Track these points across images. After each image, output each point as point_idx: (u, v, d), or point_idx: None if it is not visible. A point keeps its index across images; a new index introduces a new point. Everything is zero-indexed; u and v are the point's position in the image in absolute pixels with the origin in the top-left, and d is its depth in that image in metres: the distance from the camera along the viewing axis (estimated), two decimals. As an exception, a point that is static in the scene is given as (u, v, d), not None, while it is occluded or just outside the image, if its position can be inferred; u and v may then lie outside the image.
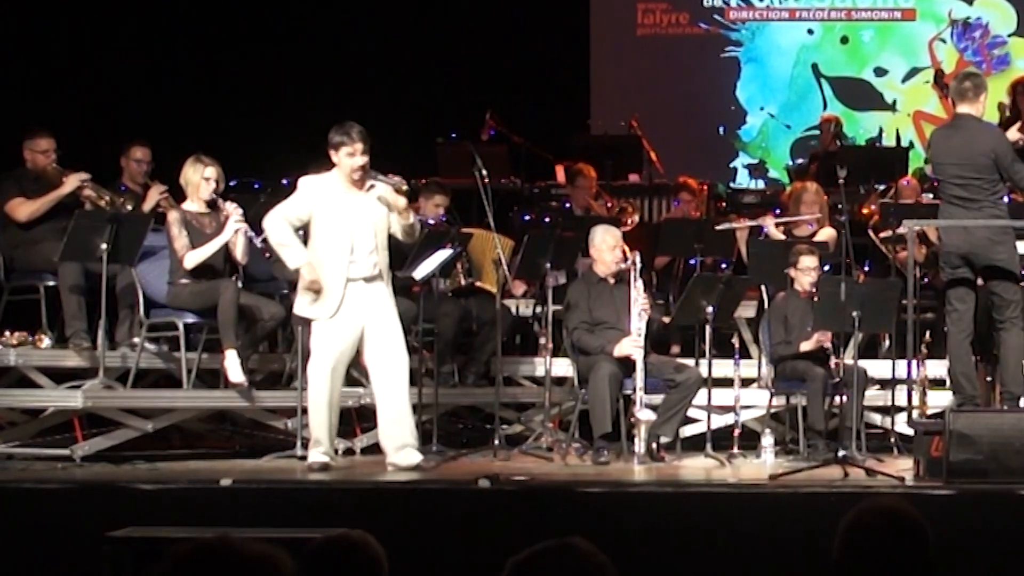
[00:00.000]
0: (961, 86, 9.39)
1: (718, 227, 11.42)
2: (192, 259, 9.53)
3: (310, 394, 8.88)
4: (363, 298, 8.84)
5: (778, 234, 11.31)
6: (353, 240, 8.82)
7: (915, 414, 9.64)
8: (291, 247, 8.87)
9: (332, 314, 8.78)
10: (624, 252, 9.94)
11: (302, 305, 8.91)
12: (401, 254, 10.56)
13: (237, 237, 9.58)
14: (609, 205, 12.49)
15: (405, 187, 8.98)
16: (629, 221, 12.36)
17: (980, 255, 9.20)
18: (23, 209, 10.02)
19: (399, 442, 8.90)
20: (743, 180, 15.75)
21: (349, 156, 8.82)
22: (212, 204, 9.70)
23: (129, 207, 10.20)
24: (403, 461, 8.85)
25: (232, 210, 9.58)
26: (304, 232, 9.00)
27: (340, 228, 8.82)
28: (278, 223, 8.87)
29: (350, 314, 8.80)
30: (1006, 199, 9.69)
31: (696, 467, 9.55)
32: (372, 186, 8.92)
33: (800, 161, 14.69)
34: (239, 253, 9.66)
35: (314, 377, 8.83)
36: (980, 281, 9.41)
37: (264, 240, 9.54)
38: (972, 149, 9.17)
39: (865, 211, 12.28)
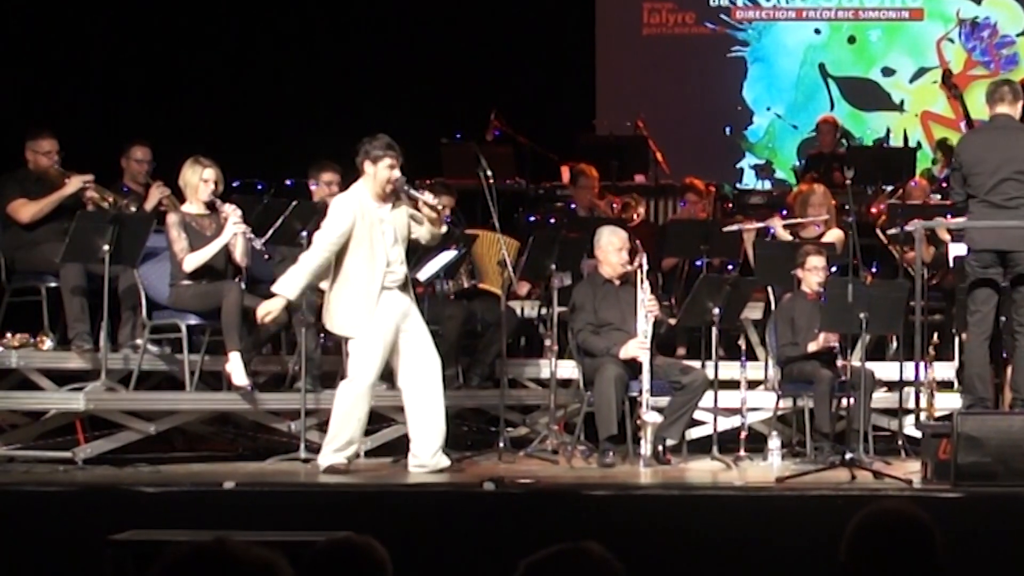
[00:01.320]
0: (1000, 90, 9.36)
1: (725, 229, 11.39)
2: (191, 262, 9.50)
3: (349, 402, 8.80)
4: (397, 305, 8.84)
5: (786, 235, 11.27)
6: (388, 252, 8.81)
7: (923, 416, 9.62)
8: (296, 274, 8.80)
9: (369, 327, 8.76)
10: (632, 252, 9.89)
11: (340, 323, 8.85)
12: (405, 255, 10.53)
13: (236, 239, 9.55)
14: (614, 204, 12.45)
15: (435, 200, 8.96)
16: (635, 216, 12.35)
17: (1018, 254, 9.14)
18: (25, 210, 10.00)
19: (434, 446, 8.94)
20: (749, 181, 15.75)
21: (390, 168, 8.81)
22: (211, 206, 9.67)
23: (132, 208, 10.16)
24: (437, 464, 8.90)
25: (231, 212, 9.54)
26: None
27: (376, 241, 8.79)
28: (318, 252, 8.77)
29: (388, 323, 8.79)
30: None
31: (702, 470, 9.51)
32: (399, 196, 8.91)
33: (796, 164, 14.65)
34: (239, 255, 9.64)
35: (358, 388, 8.79)
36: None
37: (264, 242, 9.52)
38: (1018, 148, 9.13)
39: (873, 211, 12.24)
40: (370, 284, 8.76)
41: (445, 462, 8.95)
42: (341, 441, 8.85)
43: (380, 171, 8.80)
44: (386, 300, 8.79)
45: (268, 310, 8.84)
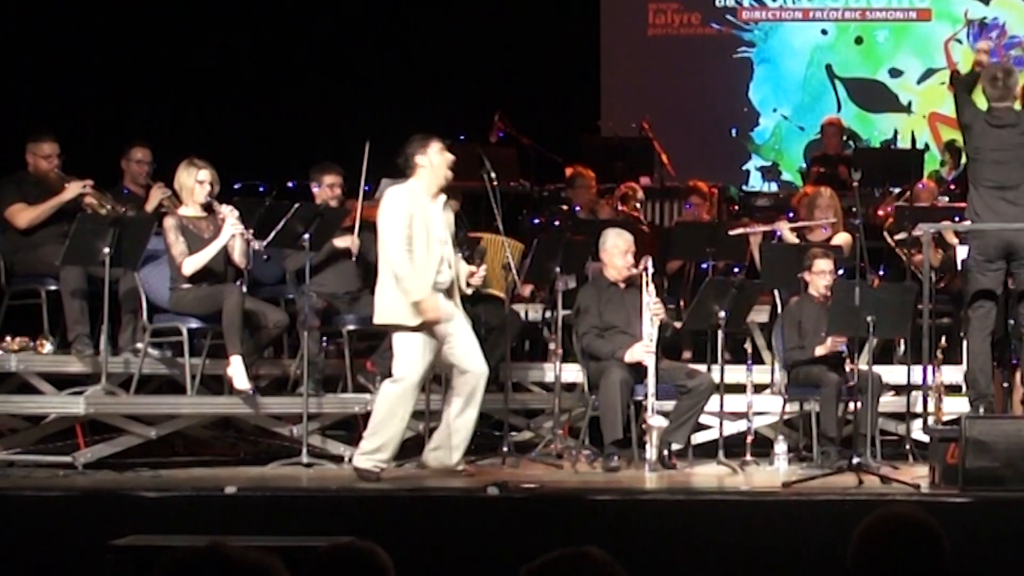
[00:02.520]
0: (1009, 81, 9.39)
1: (731, 232, 11.35)
2: (190, 265, 9.47)
3: (391, 401, 8.74)
4: (446, 307, 8.82)
5: (792, 238, 11.23)
6: (442, 250, 8.80)
7: (930, 421, 9.56)
8: (410, 280, 8.69)
9: (421, 322, 8.71)
10: (635, 257, 9.85)
11: (392, 312, 8.77)
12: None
13: (235, 240, 9.52)
14: (610, 200, 12.42)
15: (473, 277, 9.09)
16: (636, 204, 12.30)
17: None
18: (23, 215, 9.96)
19: (462, 449, 8.96)
20: (756, 183, 15.75)
21: (441, 152, 8.83)
22: (208, 207, 9.63)
23: (131, 214, 10.10)
24: (454, 466, 8.93)
25: (228, 213, 9.50)
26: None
27: (431, 237, 8.77)
28: (400, 257, 8.68)
29: (437, 324, 8.76)
30: None
31: (708, 474, 9.48)
32: (445, 197, 8.90)
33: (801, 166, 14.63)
34: (237, 256, 9.61)
35: (403, 386, 8.73)
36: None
37: (266, 245, 9.50)
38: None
39: (880, 213, 12.20)
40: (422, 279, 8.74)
41: (460, 465, 8.96)
42: (377, 443, 8.77)
43: (434, 158, 8.79)
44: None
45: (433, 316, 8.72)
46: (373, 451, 8.78)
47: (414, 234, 8.71)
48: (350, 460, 9.86)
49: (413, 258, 8.68)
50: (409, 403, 8.80)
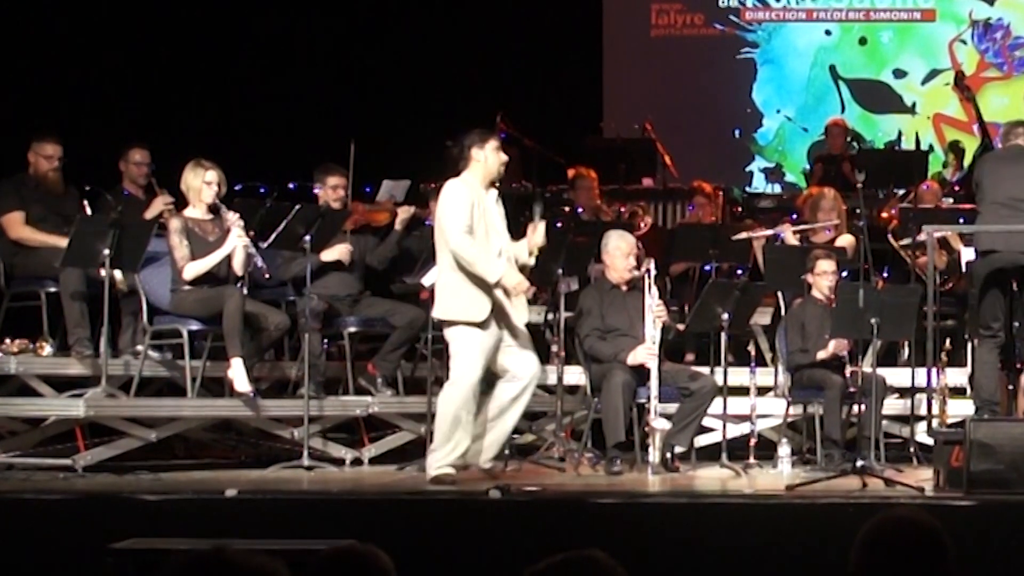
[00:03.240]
0: (1015, 130, 9.53)
1: (734, 237, 11.33)
2: (191, 271, 9.47)
3: (454, 405, 8.64)
4: (502, 303, 8.76)
5: (795, 241, 11.20)
6: (500, 243, 8.76)
7: (935, 423, 9.55)
8: (482, 262, 8.63)
9: (484, 318, 8.63)
10: (638, 259, 9.82)
11: (451, 308, 8.70)
12: (411, 259, 10.46)
13: (237, 250, 9.50)
14: (622, 210, 12.38)
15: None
16: (642, 224, 12.28)
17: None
18: (17, 230, 9.88)
19: (493, 449, 8.92)
20: (759, 184, 15.73)
21: (496, 150, 8.82)
22: (214, 209, 9.62)
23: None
24: (487, 465, 8.89)
25: (234, 221, 9.49)
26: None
27: (490, 229, 8.72)
28: (465, 242, 8.62)
29: (494, 320, 8.71)
30: None
31: (711, 477, 9.47)
32: (496, 190, 8.88)
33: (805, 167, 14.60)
34: (237, 265, 9.60)
35: (460, 389, 8.64)
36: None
37: (267, 247, 9.53)
38: None
39: (884, 215, 12.17)
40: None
41: (488, 464, 8.91)
42: (446, 448, 8.67)
43: (490, 155, 8.76)
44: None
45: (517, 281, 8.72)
46: (446, 455, 8.69)
47: (475, 224, 8.67)
48: (351, 463, 9.89)
49: (478, 243, 8.64)
50: (472, 404, 8.68)
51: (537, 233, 8.97)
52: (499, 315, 8.72)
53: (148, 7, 14.06)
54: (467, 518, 7.78)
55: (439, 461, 8.65)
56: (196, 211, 9.65)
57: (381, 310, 10.43)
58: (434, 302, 8.86)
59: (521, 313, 8.84)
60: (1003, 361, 9.64)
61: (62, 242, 9.53)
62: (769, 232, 11.36)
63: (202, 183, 9.58)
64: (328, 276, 10.24)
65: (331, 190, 10.36)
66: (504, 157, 8.85)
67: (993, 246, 9.24)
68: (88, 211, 9.95)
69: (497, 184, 8.97)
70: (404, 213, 10.66)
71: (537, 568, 3.42)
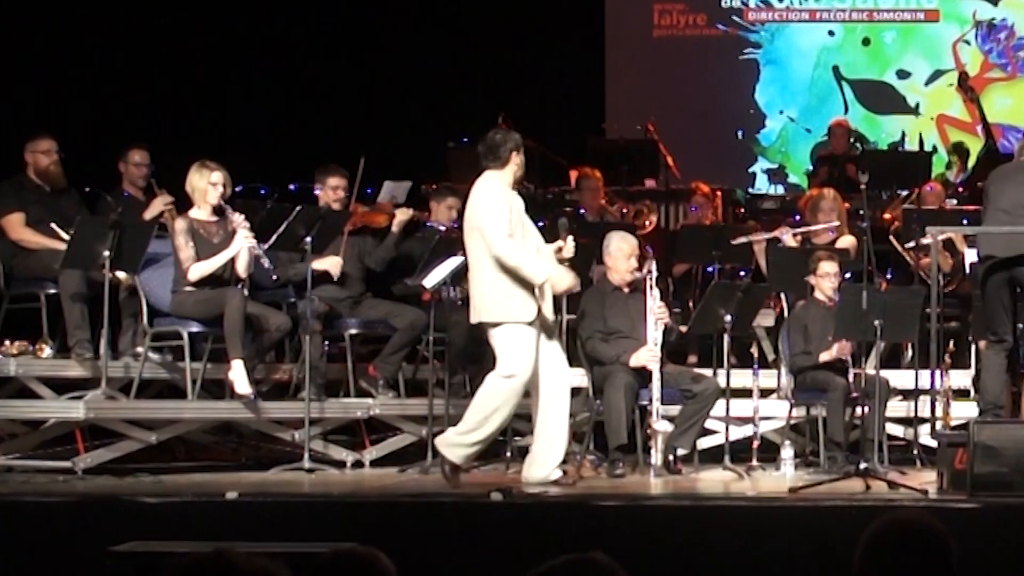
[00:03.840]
0: None
1: (734, 241, 11.32)
2: (196, 272, 9.45)
3: (503, 392, 8.57)
4: (539, 301, 8.74)
5: (795, 244, 11.16)
6: (535, 241, 8.76)
7: (938, 425, 9.53)
8: (528, 264, 8.60)
9: (533, 318, 8.61)
10: (641, 259, 9.79)
11: (501, 310, 8.63)
12: (411, 261, 10.43)
13: (242, 252, 9.49)
14: (625, 210, 12.36)
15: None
16: (647, 223, 12.26)
17: None
18: (17, 232, 9.87)
19: (556, 459, 8.80)
20: (762, 185, 15.70)
21: (523, 161, 8.82)
22: (219, 211, 9.59)
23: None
24: (549, 477, 8.74)
25: (240, 222, 9.48)
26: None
27: (526, 228, 8.74)
28: (506, 244, 8.57)
29: (538, 318, 8.70)
30: None
31: (714, 480, 9.45)
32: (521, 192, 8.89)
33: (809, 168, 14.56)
34: (241, 267, 9.58)
35: (513, 383, 8.58)
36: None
37: (267, 248, 9.50)
38: None
39: (887, 217, 12.14)
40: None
41: (557, 474, 8.78)
42: (475, 439, 8.62)
43: (520, 160, 8.78)
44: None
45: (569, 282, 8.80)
46: (468, 444, 8.67)
47: (512, 226, 8.65)
48: (352, 465, 9.86)
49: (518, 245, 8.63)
50: (515, 401, 8.64)
51: (567, 247, 8.94)
52: (539, 314, 8.70)
53: (149, 7, 14.04)
54: (469, 521, 7.76)
55: (457, 445, 8.60)
56: (201, 212, 9.63)
57: (382, 312, 10.42)
58: (471, 305, 8.80)
59: (550, 309, 8.82)
60: (1008, 364, 9.62)
61: (61, 245, 9.52)
62: (768, 236, 11.33)
63: (207, 184, 9.56)
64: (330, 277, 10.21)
65: (332, 191, 10.34)
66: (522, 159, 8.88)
67: (992, 251, 9.22)
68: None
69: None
70: (402, 215, 10.63)
71: (539, 571, 3.41)
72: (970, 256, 10.45)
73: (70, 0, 13.64)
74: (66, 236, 9.58)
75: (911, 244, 11.03)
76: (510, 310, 8.58)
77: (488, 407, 8.60)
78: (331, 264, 10.19)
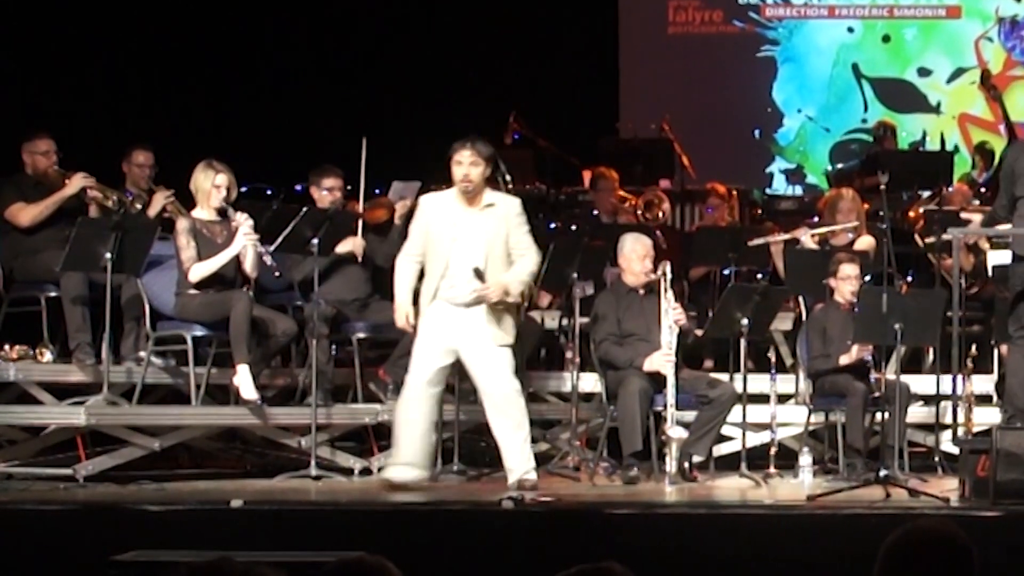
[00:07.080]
0: None
1: (751, 243, 11.28)
2: (197, 272, 9.38)
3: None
4: (451, 321, 8.86)
5: (813, 245, 11.08)
6: (449, 258, 8.81)
7: (960, 432, 9.46)
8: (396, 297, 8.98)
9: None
10: (657, 250, 9.72)
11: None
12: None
13: (246, 250, 9.43)
14: (634, 203, 12.28)
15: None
16: (660, 214, 12.18)
17: None
18: (25, 214, 9.88)
19: (519, 466, 8.92)
20: (780, 186, 15.70)
21: (457, 165, 8.86)
22: (223, 212, 9.54)
23: (139, 206, 10.10)
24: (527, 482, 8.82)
25: (242, 221, 9.43)
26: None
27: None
28: (401, 267, 9.01)
29: (434, 335, 8.90)
30: None
31: (730, 487, 9.43)
32: (490, 204, 8.92)
33: (841, 165, 14.45)
34: (248, 267, 9.52)
35: (402, 393, 8.98)
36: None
37: (273, 250, 9.46)
38: None
39: (912, 215, 12.04)
40: (427, 285, 8.83)
41: (532, 476, 8.87)
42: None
43: (454, 169, 8.88)
44: (438, 311, 8.81)
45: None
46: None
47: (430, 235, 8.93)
48: (360, 472, 9.80)
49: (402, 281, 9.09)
50: (407, 411, 8.93)
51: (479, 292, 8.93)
52: (444, 330, 8.93)
53: (151, 6, 14.02)
54: (480, 529, 7.76)
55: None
56: (204, 212, 9.58)
57: (390, 315, 10.27)
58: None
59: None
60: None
61: (71, 191, 9.72)
62: (786, 236, 11.28)
63: (211, 186, 9.51)
64: (335, 280, 10.13)
65: (328, 192, 10.24)
66: (460, 173, 8.85)
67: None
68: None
69: (510, 188, 8.93)
70: (402, 208, 10.52)
71: (552, 582, 3.43)
72: (993, 257, 10.39)
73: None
74: (76, 181, 9.74)
75: (931, 240, 10.94)
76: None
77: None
78: (355, 244, 10.10)
